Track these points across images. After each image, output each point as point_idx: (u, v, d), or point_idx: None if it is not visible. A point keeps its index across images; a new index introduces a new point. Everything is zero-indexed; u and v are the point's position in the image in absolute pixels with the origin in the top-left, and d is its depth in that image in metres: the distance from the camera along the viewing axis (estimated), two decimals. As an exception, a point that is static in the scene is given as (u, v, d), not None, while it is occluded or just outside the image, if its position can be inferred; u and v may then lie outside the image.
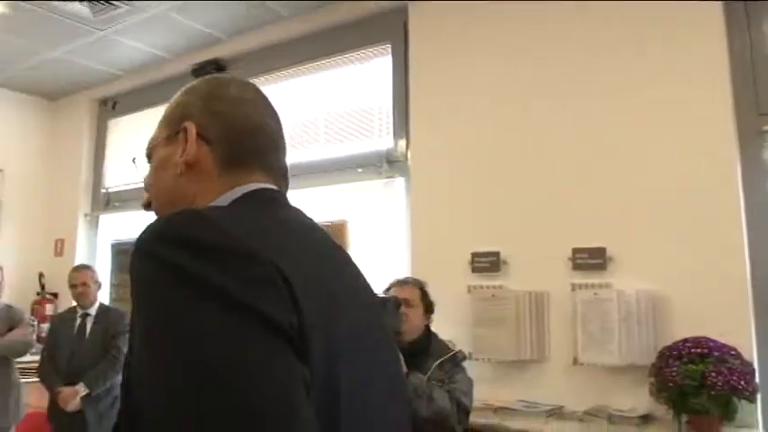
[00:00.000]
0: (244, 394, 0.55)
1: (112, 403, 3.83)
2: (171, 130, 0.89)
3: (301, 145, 3.96)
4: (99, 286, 3.94)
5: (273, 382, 0.57)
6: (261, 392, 0.56)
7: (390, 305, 2.39)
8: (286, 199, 0.90)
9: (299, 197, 3.81)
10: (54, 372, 3.81)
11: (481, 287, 3.09)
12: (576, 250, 2.85)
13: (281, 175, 0.91)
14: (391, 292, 2.56)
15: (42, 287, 4.99)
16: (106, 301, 4.70)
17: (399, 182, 3.55)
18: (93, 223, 5.14)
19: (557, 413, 2.74)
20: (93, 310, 3.88)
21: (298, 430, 0.58)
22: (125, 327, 3.82)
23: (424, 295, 2.55)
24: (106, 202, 5.13)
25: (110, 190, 5.13)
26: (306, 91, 4.01)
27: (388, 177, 3.55)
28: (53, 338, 3.88)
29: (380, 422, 0.79)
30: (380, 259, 3.52)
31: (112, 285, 4.81)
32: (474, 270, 3.13)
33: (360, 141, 3.73)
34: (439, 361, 2.42)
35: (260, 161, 0.88)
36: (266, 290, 0.62)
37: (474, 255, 3.13)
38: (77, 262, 4.97)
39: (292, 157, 3.72)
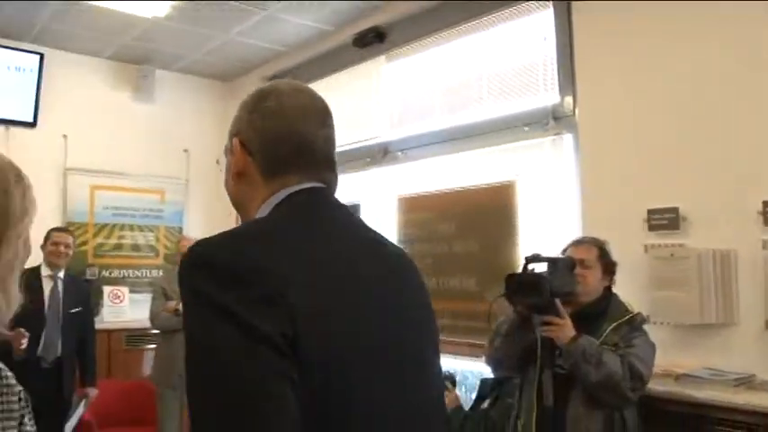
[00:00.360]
0: (231, 378, 0.79)
1: None
2: (229, 142, 1.08)
3: (465, 106, 4.04)
4: None
5: (251, 373, 0.79)
6: (240, 379, 0.79)
7: (561, 266, 2.44)
8: (325, 197, 1.04)
9: (466, 160, 3.96)
10: None
11: (659, 246, 3.04)
12: None
13: (326, 170, 1.05)
14: (567, 253, 2.56)
15: (230, 257, 5.50)
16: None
17: (567, 138, 3.55)
18: None
19: (747, 382, 2.62)
20: None
21: (266, 409, 0.78)
22: None
23: (603, 255, 2.51)
24: None
25: None
26: (466, 51, 4.08)
27: (555, 134, 3.56)
28: None
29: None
30: (551, 219, 3.55)
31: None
32: (650, 228, 3.08)
33: (524, 99, 3.76)
34: (614, 324, 2.38)
35: (297, 165, 1.02)
36: (262, 308, 0.81)
37: (650, 212, 3.08)
38: None
39: (455, 120, 3.83)
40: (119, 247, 5.51)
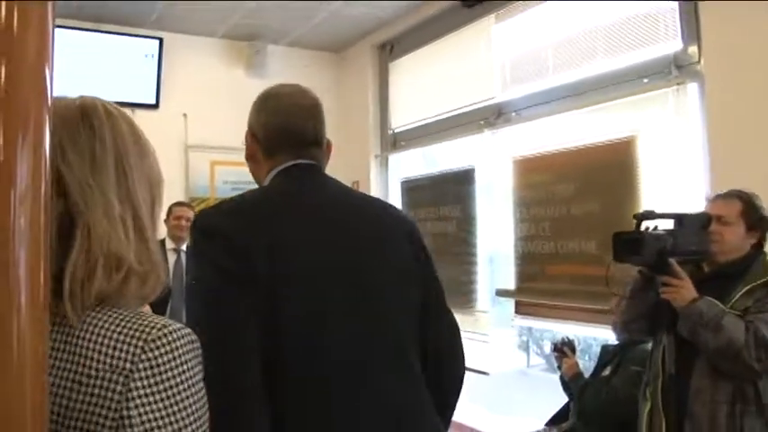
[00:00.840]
0: (205, 296, 1.27)
1: None
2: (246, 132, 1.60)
3: (579, 61, 3.92)
4: None
5: (213, 291, 1.25)
6: (209, 294, 1.26)
7: (689, 223, 2.31)
8: (309, 167, 1.53)
9: (583, 118, 3.82)
10: None
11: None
12: None
13: (314, 149, 1.56)
14: (706, 208, 2.42)
15: (346, 227, 5.65)
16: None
17: (692, 88, 3.39)
18: (384, 163, 5.74)
19: None
20: None
21: (222, 313, 1.22)
22: None
23: (748, 210, 2.34)
24: (393, 142, 5.63)
25: (396, 130, 5.61)
26: (578, 3, 3.92)
27: (677, 84, 3.38)
28: None
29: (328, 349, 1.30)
30: (675, 176, 3.38)
31: (406, 221, 5.26)
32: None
33: (642, 50, 3.56)
34: (748, 287, 2.25)
35: (288, 148, 1.51)
36: (228, 254, 1.26)
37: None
38: None
39: (570, 76, 3.70)
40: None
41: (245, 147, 1.59)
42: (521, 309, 4.27)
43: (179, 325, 0.84)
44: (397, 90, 5.71)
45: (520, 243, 4.24)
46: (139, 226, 0.89)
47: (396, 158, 5.79)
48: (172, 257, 4.12)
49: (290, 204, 1.43)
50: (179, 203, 4.25)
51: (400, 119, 5.67)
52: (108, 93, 4.11)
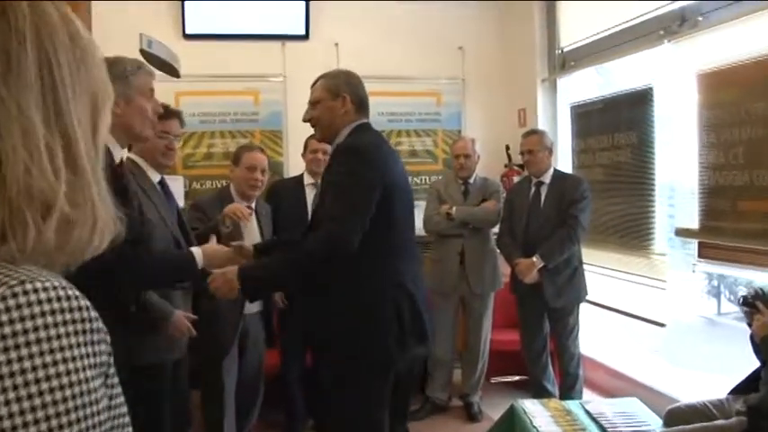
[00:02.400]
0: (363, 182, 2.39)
1: (571, 276, 4.00)
2: (333, 94, 2.53)
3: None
4: (550, 152, 4.07)
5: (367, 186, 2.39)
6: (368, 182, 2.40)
7: None
8: (371, 127, 2.61)
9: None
10: (511, 242, 4.14)
11: None
12: None
13: (368, 114, 2.62)
14: None
15: (509, 159, 5.43)
16: (568, 168, 4.87)
17: None
18: (551, 87, 5.46)
19: None
20: (546, 178, 4.05)
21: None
22: (582, 194, 3.89)
23: None
24: (562, 63, 5.30)
25: (564, 49, 5.25)
26: None
27: None
28: (509, 208, 4.19)
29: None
30: None
31: (574, 151, 4.94)
32: None
33: None
34: None
35: (366, 110, 2.59)
36: (376, 165, 2.42)
37: None
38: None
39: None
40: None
41: (342, 104, 2.52)
42: (705, 252, 3.77)
43: (56, 283, 0.64)
44: (566, 3, 5.25)
45: (706, 174, 3.72)
46: (73, 156, 0.70)
47: (565, 81, 5.37)
48: (310, 192, 4.08)
49: (386, 144, 2.72)
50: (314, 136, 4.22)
51: (569, 36, 5.22)
52: (256, 26, 4.48)
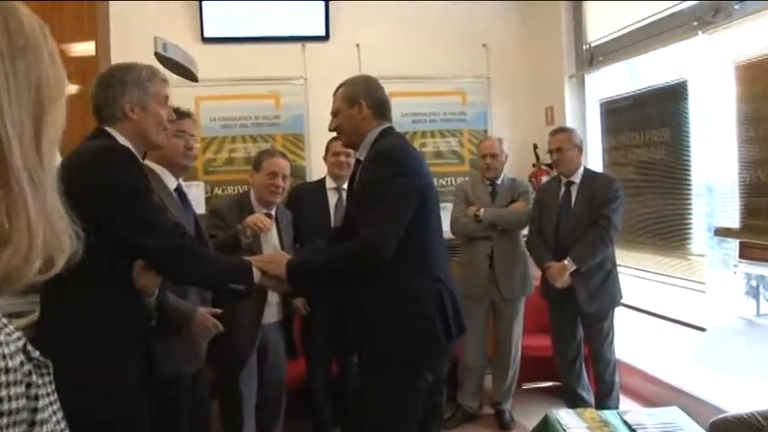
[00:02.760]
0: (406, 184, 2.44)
1: (604, 279, 3.85)
2: (350, 102, 2.56)
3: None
4: (579, 150, 3.92)
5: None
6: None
7: None
8: (395, 130, 2.61)
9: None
10: (541, 245, 4.00)
11: None
12: None
13: (390, 117, 2.62)
14: None
15: (537, 158, 5.30)
16: (599, 167, 4.74)
17: None
18: (579, 84, 5.33)
19: None
20: (576, 177, 3.91)
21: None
22: (614, 193, 3.75)
23: None
24: (589, 58, 5.16)
25: (592, 44, 5.12)
26: None
27: None
28: (538, 209, 4.06)
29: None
30: None
31: (604, 149, 4.79)
32: None
33: None
34: None
35: (386, 114, 2.59)
36: (407, 170, 2.43)
37: None
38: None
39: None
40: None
41: (359, 111, 2.55)
42: (747, 252, 3.60)
43: None
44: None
45: (745, 170, 3.55)
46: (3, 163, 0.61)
47: (593, 77, 5.21)
48: (333, 197, 3.98)
49: (410, 145, 2.70)
50: (337, 138, 4.11)
51: (597, 30, 5.05)
52: (275, 28, 4.45)
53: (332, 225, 3.85)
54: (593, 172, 4.12)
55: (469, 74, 5.67)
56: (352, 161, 3.54)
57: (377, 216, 2.34)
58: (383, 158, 2.43)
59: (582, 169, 4.01)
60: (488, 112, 5.73)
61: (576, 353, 4.08)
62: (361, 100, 2.54)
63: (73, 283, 1.87)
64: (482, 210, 4.22)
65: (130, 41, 4.00)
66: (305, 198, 4.03)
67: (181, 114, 2.69)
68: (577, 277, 3.81)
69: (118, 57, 4.62)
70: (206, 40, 5.24)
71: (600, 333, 3.91)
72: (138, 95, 2.11)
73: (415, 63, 5.50)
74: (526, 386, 4.89)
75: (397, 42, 5.47)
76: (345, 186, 3.85)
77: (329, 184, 4.03)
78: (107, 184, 1.92)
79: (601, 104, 4.97)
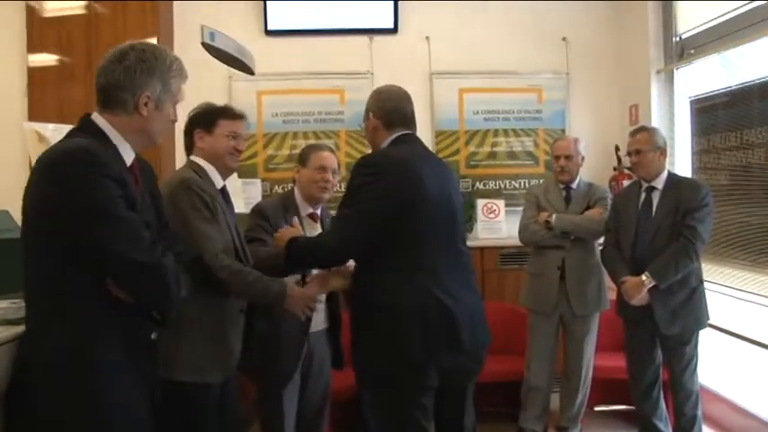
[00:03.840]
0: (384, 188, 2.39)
1: (688, 298, 3.43)
2: (365, 115, 2.62)
3: None
4: (662, 153, 3.52)
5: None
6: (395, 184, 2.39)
7: None
8: (411, 137, 2.57)
9: None
10: (617, 256, 3.62)
11: None
12: None
13: (412, 124, 2.59)
14: None
15: (619, 161, 4.95)
16: (687, 171, 4.33)
17: None
18: (668, 80, 4.90)
19: None
20: (659, 183, 3.50)
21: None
22: (701, 201, 3.33)
23: None
24: (680, 52, 4.73)
25: (683, 37, 4.68)
26: None
27: None
28: (615, 217, 3.67)
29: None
30: None
31: (693, 152, 4.36)
32: None
33: None
34: None
35: (399, 122, 2.56)
36: (384, 177, 2.38)
37: None
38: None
39: None
40: (492, 155, 5.38)
41: (367, 123, 2.61)
42: None
43: None
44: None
45: None
46: None
47: (683, 73, 4.75)
48: None
49: (418, 156, 2.52)
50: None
51: (689, 21, 4.60)
52: (341, 20, 4.44)
53: None
54: (678, 177, 3.67)
55: (547, 69, 5.34)
56: None
57: (338, 220, 2.56)
58: (359, 166, 2.48)
59: (665, 174, 3.58)
60: (566, 111, 5.39)
61: (654, 379, 3.65)
62: (370, 111, 2.59)
63: (59, 296, 1.74)
64: (554, 216, 3.87)
65: (194, 38, 3.91)
66: None
67: (235, 116, 2.60)
68: (656, 294, 3.40)
69: (180, 54, 4.51)
70: (270, 33, 5.11)
71: (681, 359, 3.48)
72: (160, 91, 1.88)
73: (488, 57, 5.23)
74: (597, 408, 4.50)
75: (469, 35, 5.20)
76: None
77: None
78: (60, 198, 1.69)
79: (691, 102, 4.54)
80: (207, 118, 2.57)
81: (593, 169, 4.62)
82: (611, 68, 5.34)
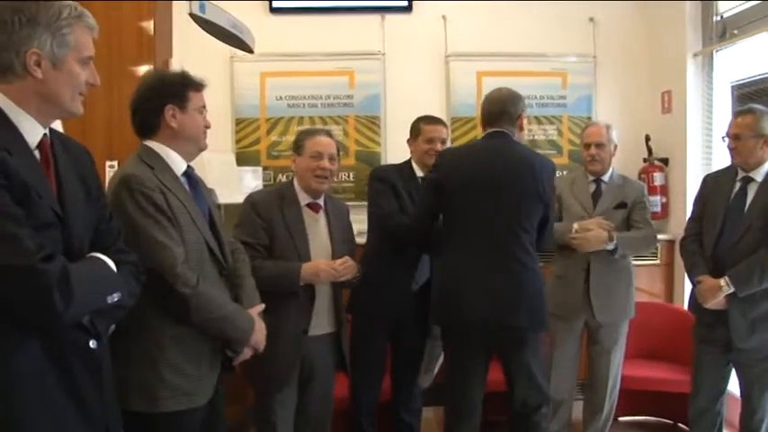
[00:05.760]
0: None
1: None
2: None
3: None
4: (766, 141, 3.05)
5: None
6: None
7: None
8: (494, 134, 2.98)
9: None
10: (698, 251, 3.20)
11: None
12: None
13: (497, 123, 2.98)
14: None
15: (650, 152, 4.55)
16: (726, 163, 3.94)
17: None
18: (706, 63, 4.52)
19: None
20: (759, 174, 3.05)
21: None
22: None
23: None
24: (721, 32, 4.34)
25: (724, 15, 4.29)
26: None
27: None
28: (701, 205, 3.24)
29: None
30: None
31: None
32: None
33: None
34: None
35: (487, 122, 3.03)
36: (438, 175, 3.00)
37: None
38: (689, 117, 4.46)
39: None
40: (511, 143, 4.92)
41: None
42: None
43: None
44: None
45: None
46: None
47: (724, 55, 4.35)
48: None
49: (475, 149, 3.23)
50: (428, 119, 3.52)
51: (731, -2, 4.22)
52: None
53: None
54: None
55: (572, 52, 4.96)
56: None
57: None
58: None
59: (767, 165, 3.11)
60: (593, 97, 5.00)
61: (715, 397, 3.20)
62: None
63: None
64: (615, 236, 3.45)
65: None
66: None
67: (201, 86, 2.22)
68: (735, 300, 2.95)
69: (179, 36, 4.18)
70: (275, 11, 4.76)
71: (761, 377, 2.99)
72: (51, 45, 1.52)
73: (508, 38, 4.86)
74: (622, 419, 4.13)
75: (487, 15, 4.83)
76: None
77: (418, 172, 3.44)
78: None
79: (733, 88, 4.19)
80: (177, 90, 2.16)
81: (621, 161, 4.21)
82: (642, 51, 4.94)
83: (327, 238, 2.94)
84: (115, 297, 1.58)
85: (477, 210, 2.87)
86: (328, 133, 2.99)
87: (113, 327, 1.76)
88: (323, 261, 2.80)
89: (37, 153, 1.54)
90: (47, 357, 1.47)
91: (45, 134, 1.57)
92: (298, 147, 2.90)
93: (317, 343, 2.86)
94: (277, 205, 2.82)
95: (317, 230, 2.91)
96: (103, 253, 1.63)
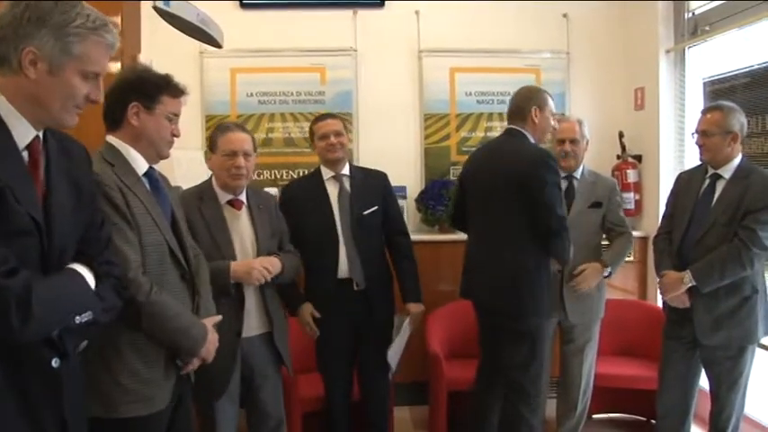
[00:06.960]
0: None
1: (738, 306, 2.99)
2: None
3: None
4: (734, 138, 3.09)
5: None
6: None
7: None
8: (507, 131, 3.20)
9: None
10: (667, 248, 3.22)
11: None
12: None
13: (510, 119, 3.21)
14: None
15: (623, 149, 4.52)
16: (697, 161, 3.92)
17: None
18: (678, 60, 4.48)
19: None
20: (727, 171, 3.08)
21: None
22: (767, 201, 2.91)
23: None
24: (692, 28, 4.30)
25: (696, 12, 4.27)
26: None
27: None
28: (673, 202, 3.24)
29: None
30: None
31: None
32: None
33: None
34: None
35: (508, 120, 3.25)
36: (461, 173, 3.49)
37: None
38: (662, 113, 4.44)
39: None
40: (486, 141, 4.85)
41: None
42: None
43: None
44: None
45: None
46: None
47: (696, 52, 4.33)
48: (333, 188, 3.34)
49: (488, 147, 3.38)
50: (322, 117, 3.44)
51: (704, -5, 4.18)
52: None
53: (337, 222, 3.32)
54: (752, 167, 3.10)
55: (546, 48, 4.90)
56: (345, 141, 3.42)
57: None
58: None
59: (736, 162, 3.02)
60: (567, 93, 4.95)
61: (683, 396, 3.19)
62: None
63: None
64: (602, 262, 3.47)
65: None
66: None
67: (180, 92, 2.13)
68: (699, 297, 2.95)
69: (148, 33, 4.06)
70: (245, 6, 4.64)
71: (725, 376, 3.00)
72: (52, 48, 1.45)
73: (481, 34, 4.79)
74: (596, 416, 4.11)
75: (461, 10, 4.74)
76: (346, 171, 3.45)
77: (325, 174, 3.39)
78: None
79: (705, 84, 4.16)
80: (148, 90, 2.06)
81: (594, 158, 4.20)
82: (615, 48, 4.89)
83: (252, 234, 2.86)
84: (84, 317, 1.49)
85: (480, 203, 3.16)
86: (243, 128, 2.92)
87: (85, 343, 1.67)
88: (258, 260, 2.75)
89: (25, 154, 1.46)
90: (3, 376, 1.39)
91: (37, 136, 1.49)
92: (211, 144, 2.84)
93: (252, 345, 2.80)
94: (196, 205, 2.74)
95: (240, 228, 2.83)
96: (88, 263, 1.56)
